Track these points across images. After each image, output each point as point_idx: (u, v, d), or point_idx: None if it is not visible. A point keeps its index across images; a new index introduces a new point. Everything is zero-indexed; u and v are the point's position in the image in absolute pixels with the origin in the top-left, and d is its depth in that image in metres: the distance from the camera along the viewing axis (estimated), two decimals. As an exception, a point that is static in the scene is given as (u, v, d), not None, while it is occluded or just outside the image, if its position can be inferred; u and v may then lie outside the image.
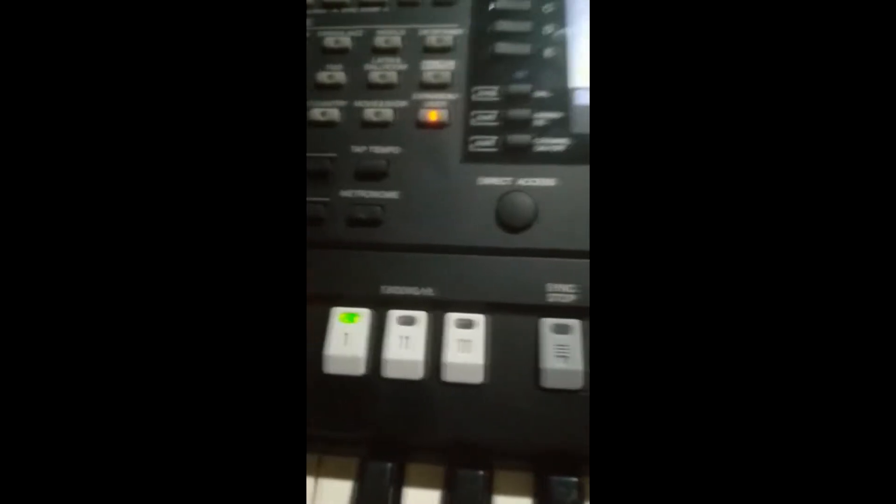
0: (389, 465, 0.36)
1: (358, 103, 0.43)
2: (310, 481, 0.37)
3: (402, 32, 0.45)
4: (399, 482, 0.36)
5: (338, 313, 0.37)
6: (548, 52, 0.43)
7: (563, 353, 0.35)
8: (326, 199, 0.40)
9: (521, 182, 0.39)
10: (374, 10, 0.47)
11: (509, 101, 0.41)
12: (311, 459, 0.37)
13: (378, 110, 0.42)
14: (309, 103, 0.43)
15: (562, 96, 0.41)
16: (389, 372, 0.36)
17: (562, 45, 0.43)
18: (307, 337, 0.37)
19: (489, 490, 0.35)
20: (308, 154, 0.41)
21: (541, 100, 0.41)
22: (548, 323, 0.36)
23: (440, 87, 0.43)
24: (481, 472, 0.35)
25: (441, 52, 0.44)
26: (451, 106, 0.42)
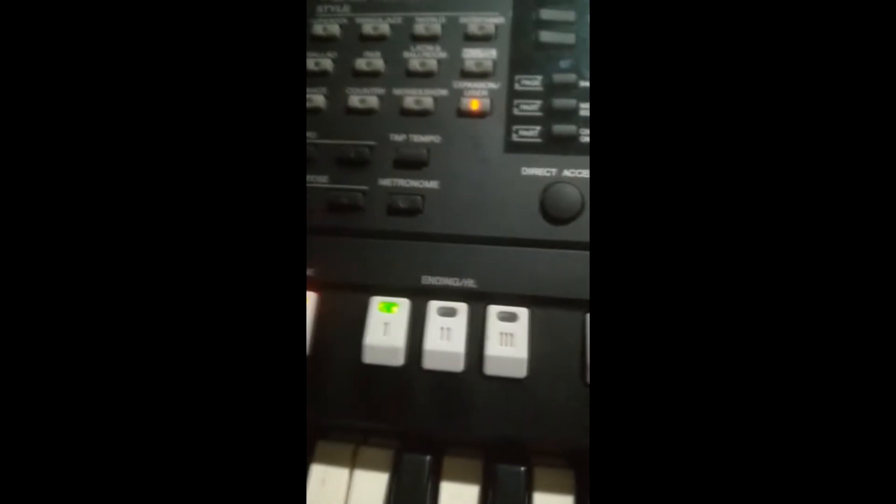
0: (427, 457, 0.35)
1: (397, 91, 0.42)
2: (345, 472, 0.36)
3: (442, 20, 0.44)
4: (436, 475, 0.36)
5: (377, 303, 0.37)
6: (593, 42, 0.42)
7: (610, 348, 0.34)
8: (365, 188, 0.39)
9: (567, 173, 0.38)
10: (413, -3, 0.46)
11: (553, 90, 0.40)
12: (346, 449, 0.37)
13: (418, 98, 0.42)
14: (347, 90, 0.43)
15: (608, 87, 0.40)
16: (429, 363, 0.35)
17: (608, 34, 0.42)
18: (346, 326, 0.36)
19: (529, 486, 0.34)
20: (347, 141, 0.41)
21: (586, 90, 0.40)
22: (595, 318, 0.35)
23: (481, 75, 0.42)
24: (522, 469, 0.34)
25: (482, 39, 0.43)
26: (492, 95, 0.41)
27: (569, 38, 0.42)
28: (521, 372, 0.34)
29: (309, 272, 0.38)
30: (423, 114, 0.41)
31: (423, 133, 0.41)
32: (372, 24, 0.45)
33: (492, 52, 0.43)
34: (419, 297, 0.37)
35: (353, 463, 0.37)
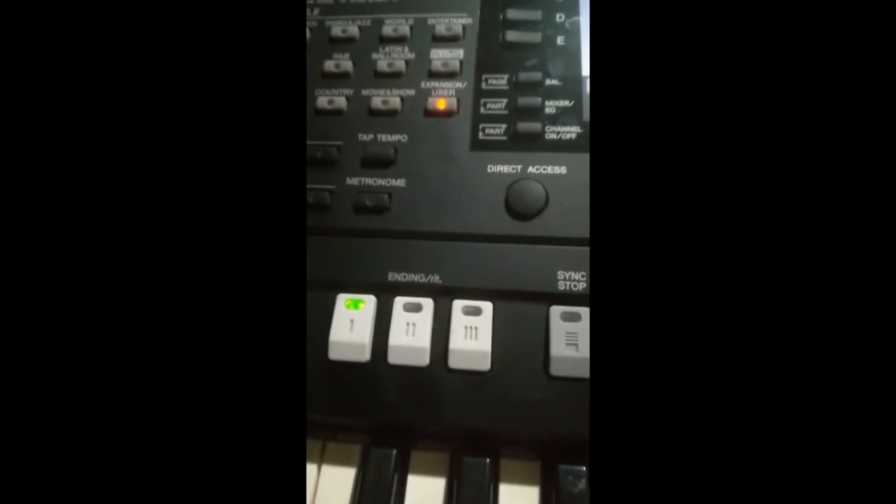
0: (393, 451, 0.35)
1: (365, 92, 0.43)
2: (312, 468, 0.36)
3: (411, 21, 0.45)
4: (403, 469, 0.36)
5: (343, 300, 0.37)
6: (559, 41, 0.42)
7: (573, 340, 0.34)
8: (332, 187, 0.40)
9: (532, 170, 0.38)
10: (383, -1, 0.47)
11: (519, 89, 0.41)
12: (314, 445, 0.37)
13: (385, 98, 0.42)
14: (315, 91, 0.43)
15: (573, 84, 0.41)
16: (394, 358, 0.35)
17: (574, 33, 0.42)
18: (312, 323, 0.36)
19: (495, 478, 0.35)
20: (314, 142, 0.41)
21: (552, 88, 0.40)
22: (558, 311, 0.35)
23: (449, 75, 0.42)
24: (488, 460, 0.34)
25: (450, 40, 0.44)
26: (459, 94, 0.42)
27: (535, 37, 0.43)
28: (484, 365, 0.35)
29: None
30: (391, 113, 0.42)
31: (391, 132, 0.41)
32: (341, 27, 0.45)
33: (459, 52, 0.43)
34: (385, 293, 0.37)
35: (321, 459, 0.37)
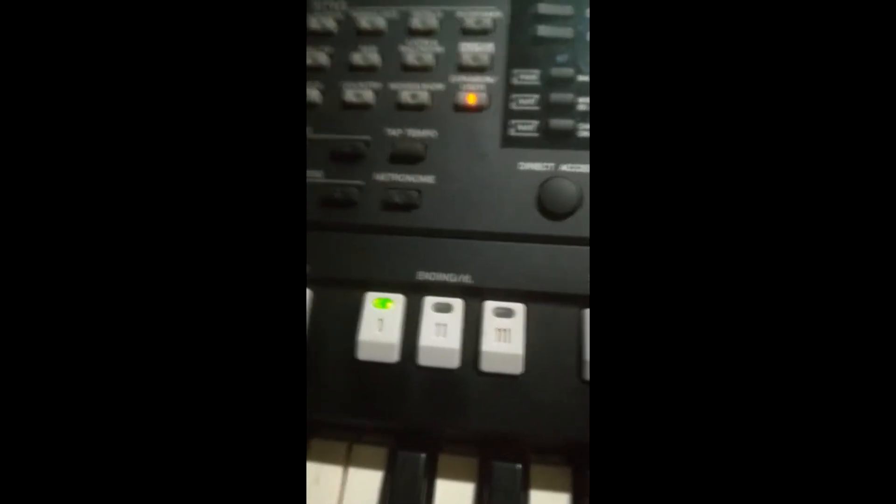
0: (423, 455, 0.35)
1: (393, 85, 0.42)
2: (339, 470, 0.36)
3: (439, 14, 0.44)
4: (431, 473, 0.35)
5: (372, 298, 0.36)
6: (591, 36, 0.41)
7: (607, 344, 0.33)
8: (360, 183, 0.39)
9: (564, 168, 0.37)
10: (410, -9, 0.46)
11: (551, 84, 0.40)
12: (340, 447, 0.36)
13: (414, 93, 0.41)
14: (342, 85, 0.42)
15: (606, 81, 0.39)
16: (424, 360, 0.35)
17: (606, 28, 0.41)
18: (340, 322, 0.36)
19: (525, 483, 0.34)
20: (341, 136, 0.40)
21: (584, 84, 0.40)
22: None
23: (478, 69, 0.41)
24: (518, 465, 0.34)
25: (479, 34, 0.43)
26: (489, 89, 0.41)
27: (567, 32, 0.42)
28: (517, 368, 0.34)
29: (303, 268, 0.37)
30: (419, 108, 0.41)
31: (420, 127, 0.40)
32: (368, 19, 0.44)
33: (489, 47, 0.42)
34: (414, 292, 0.37)
35: (347, 461, 0.36)
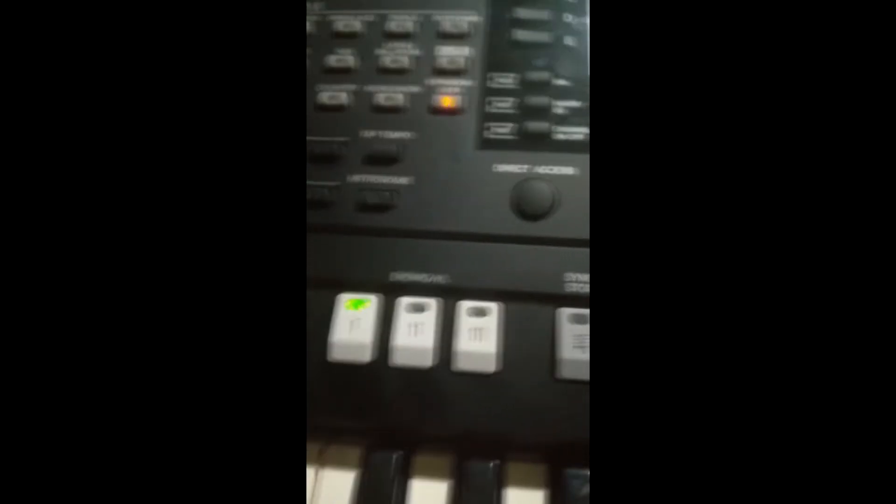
0: (395, 455, 0.35)
1: (369, 88, 0.42)
2: (311, 471, 0.35)
3: (416, 18, 0.44)
4: (405, 473, 0.35)
5: (344, 300, 0.36)
6: (568, 41, 0.42)
7: (581, 343, 0.33)
8: (335, 184, 0.39)
9: (539, 170, 0.38)
10: (389, -5, 0.46)
11: (527, 88, 0.40)
12: (312, 449, 0.36)
13: (389, 95, 0.41)
14: (317, 87, 0.42)
15: (582, 85, 0.40)
16: (397, 359, 0.35)
17: (582, 33, 0.42)
18: (312, 323, 0.35)
19: (500, 482, 0.34)
20: (315, 138, 0.40)
21: (560, 88, 0.40)
22: (565, 313, 0.35)
23: (455, 73, 0.42)
24: (492, 464, 0.34)
25: (456, 37, 0.43)
26: (466, 92, 0.41)
27: (544, 36, 0.42)
28: (490, 366, 0.34)
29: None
30: (395, 110, 0.41)
31: (395, 129, 0.40)
32: (344, 22, 0.44)
33: (465, 50, 0.42)
34: (389, 293, 0.37)
35: (319, 461, 0.36)
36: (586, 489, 0.33)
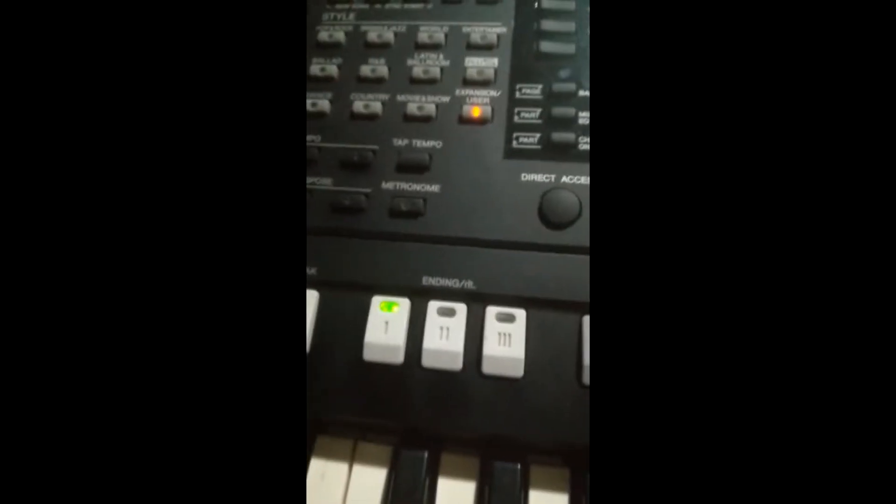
0: (425, 453, 0.36)
1: (400, 97, 0.44)
2: (344, 467, 0.37)
3: (445, 29, 0.46)
4: (434, 472, 0.36)
5: (378, 302, 0.37)
6: (592, 53, 0.43)
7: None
8: (368, 190, 0.40)
9: (565, 179, 0.39)
10: (418, 6, 0.47)
11: (553, 99, 0.42)
12: (346, 444, 0.37)
13: (420, 105, 0.43)
14: (352, 96, 0.44)
15: (607, 96, 0.41)
16: (428, 361, 0.36)
17: (607, 45, 0.43)
18: (347, 324, 0.37)
19: (525, 484, 0.35)
20: (350, 145, 0.42)
21: (585, 99, 0.41)
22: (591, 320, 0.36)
23: (483, 83, 0.43)
24: (518, 466, 0.35)
25: (484, 49, 0.44)
26: (493, 102, 0.42)
27: (569, 48, 0.43)
28: (517, 371, 0.35)
29: (311, 271, 0.38)
30: (426, 120, 0.42)
31: (426, 138, 0.42)
32: (377, 32, 0.46)
33: (493, 61, 0.44)
34: (419, 297, 0.38)
35: (352, 458, 0.37)
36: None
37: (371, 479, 0.36)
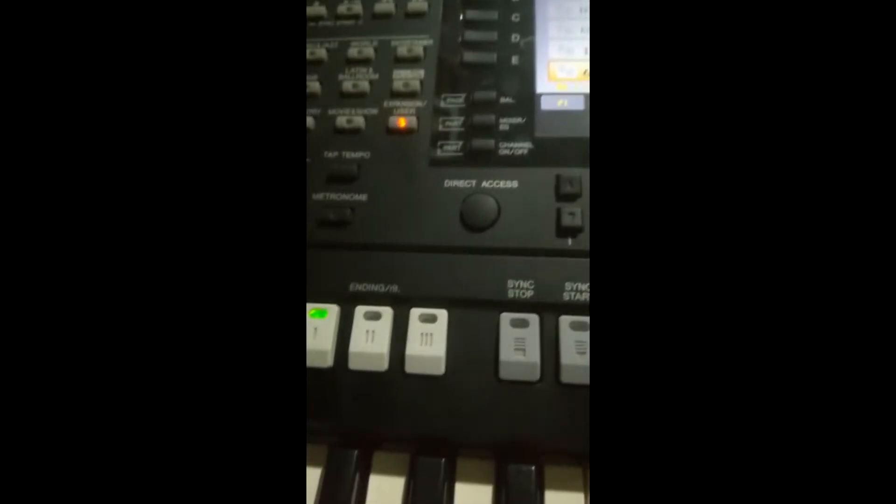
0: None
1: (331, 111, 0.45)
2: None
3: (375, 44, 0.47)
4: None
5: (308, 310, 0.39)
6: (514, 60, 0.45)
7: (521, 346, 0.36)
8: (299, 202, 0.42)
9: (485, 184, 0.40)
10: (350, 22, 0.49)
11: (475, 107, 0.43)
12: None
13: (350, 118, 0.44)
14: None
15: (526, 102, 0.43)
16: (355, 364, 0.37)
17: (528, 52, 0.45)
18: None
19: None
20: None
21: (505, 106, 0.43)
22: (507, 317, 0.37)
23: (409, 94, 0.45)
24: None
25: (411, 61, 0.46)
26: (419, 113, 0.44)
27: (490, 57, 0.45)
28: (438, 369, 0.36)
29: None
30: (355, 132, 0.44)
31: (354, 150, 0.43)
32: (310, 50, 0.48)
33: (420, 73, 0.45)
34: (348, 303, 0.39)
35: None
36: (530, 482, 0.35)
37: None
